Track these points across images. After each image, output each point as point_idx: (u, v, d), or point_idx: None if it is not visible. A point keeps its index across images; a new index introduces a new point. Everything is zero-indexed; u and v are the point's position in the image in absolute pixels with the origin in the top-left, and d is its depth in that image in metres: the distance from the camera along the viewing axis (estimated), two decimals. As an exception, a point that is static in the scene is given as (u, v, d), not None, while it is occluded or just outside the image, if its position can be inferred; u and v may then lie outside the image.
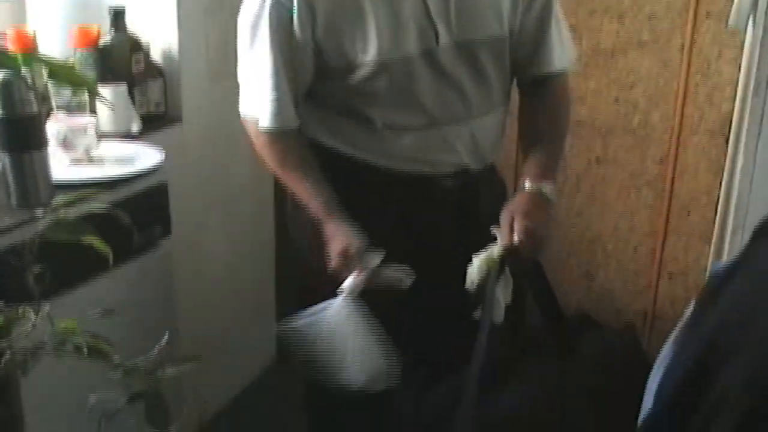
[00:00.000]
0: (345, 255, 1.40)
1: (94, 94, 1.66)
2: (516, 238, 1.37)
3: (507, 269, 1.38)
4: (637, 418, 1.11)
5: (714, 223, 2.25)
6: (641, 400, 1.10)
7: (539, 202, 1.44)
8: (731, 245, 2.18)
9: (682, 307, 1.78)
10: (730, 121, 2.15)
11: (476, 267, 1.37)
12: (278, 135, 1.46)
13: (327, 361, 1.44)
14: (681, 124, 2.22)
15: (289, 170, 1.50)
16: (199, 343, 2.08)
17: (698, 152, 2.23)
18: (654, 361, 1.16)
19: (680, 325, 1.12)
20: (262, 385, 2.51)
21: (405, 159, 1.48)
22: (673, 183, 2.27)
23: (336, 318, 1.43)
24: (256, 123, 1.46)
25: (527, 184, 1.46)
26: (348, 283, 1.40)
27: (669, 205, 2.29)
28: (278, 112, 1.43)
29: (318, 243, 1.46)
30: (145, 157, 1.66)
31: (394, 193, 1.49)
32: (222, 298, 2.27)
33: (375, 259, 1.42)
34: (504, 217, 1.41)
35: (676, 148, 2.24)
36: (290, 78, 1.41)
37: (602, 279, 2.41)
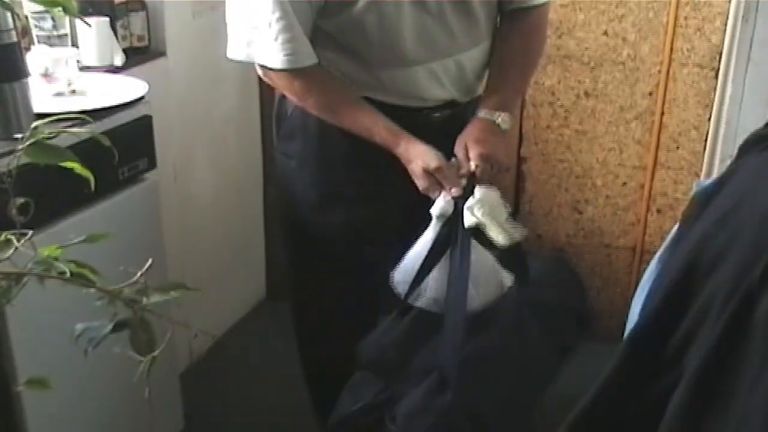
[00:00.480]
0: (428, 173, 1.40)
1: (72, 15, 1.63)
2: (472, 164, 1.40)
3: (479, 193, 1.37)
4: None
5: (703, 156, 2.26)
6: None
7: (491, 130, 1.47)
8: (719, 177, 2.19)
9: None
10: (720, 54, 2.14)
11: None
12: (311, 74, 1.45)
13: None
14: (671, 56, 2.20)
15: (339, 106, 1.49)
16: (188, 277, 2.09)
17: (687, 85, 2.21)
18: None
19: (665, 244, 1.13)
20: (253, 320, 2.54)
21: (398, 94, 1.50)
22: (662, 116, 2.26)
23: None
24: (283, 74, 1.44)
25: (481, 113, 1.49)
26: (439, 204, 1.38)
27: (658, 139, 2.28)
28: (300, 50, 1.41)
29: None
30: (129, 89, 1.64)
31: None
32: (209, 230, 2.28)
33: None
34: (458, 146, 1.45)
35: (666, 81, 2.22)
36: (299, 17, 1.39)
37: (591, 214, 2.42)
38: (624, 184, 2.36)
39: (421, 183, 1.41)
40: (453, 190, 1.38)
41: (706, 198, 1.05)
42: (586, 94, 2.30)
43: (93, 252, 0.99)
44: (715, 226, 0.98)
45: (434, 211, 1.38)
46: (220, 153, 2.28)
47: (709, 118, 2.21)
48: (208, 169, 2.23)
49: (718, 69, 2.16)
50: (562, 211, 2.44)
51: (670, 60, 2.20)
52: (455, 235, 1.37)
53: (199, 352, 2.28)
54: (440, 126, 1.54)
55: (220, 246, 2.35)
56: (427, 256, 1.39)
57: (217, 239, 2.33)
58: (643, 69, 2.24)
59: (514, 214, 2.45)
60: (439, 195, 1.39)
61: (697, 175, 2.27)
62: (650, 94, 2.25)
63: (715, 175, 2.19)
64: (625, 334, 1.11)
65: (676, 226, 1.13)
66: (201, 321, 2.24)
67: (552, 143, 2.37)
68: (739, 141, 2.10)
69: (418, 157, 1.42)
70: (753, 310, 0.89)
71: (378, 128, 1.45)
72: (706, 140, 2.24)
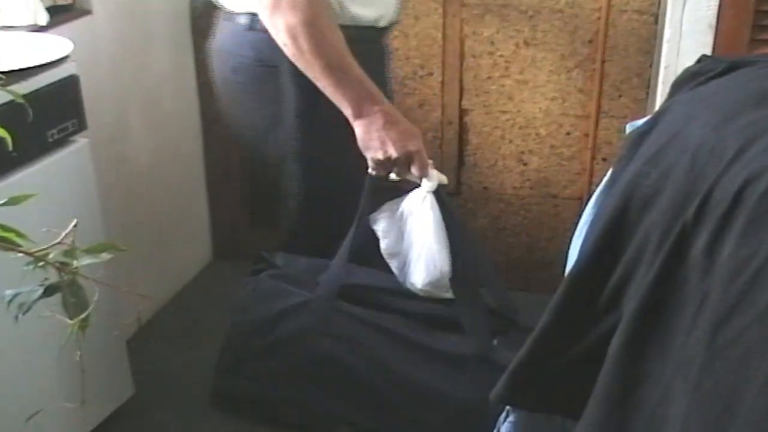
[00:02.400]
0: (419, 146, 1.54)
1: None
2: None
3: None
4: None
5: (646, 104, 2.27)
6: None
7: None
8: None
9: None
10: (659, -1, 2.14)
11: None
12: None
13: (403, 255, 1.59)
14: (609, 3, 2.18)
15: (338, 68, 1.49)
16: (131, 242, 2.05)
17: (627, 32, 2.21)
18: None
19: (600, 186, 1.13)
20: (201, 283, 2.50)
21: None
22: (603, 64, 2.26)
23: (419, 211, 1.56)
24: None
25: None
26: (429, 179, 1.54)
27: (600, 87, 2.28)
28: None
29: None
30: (52, 48, 1.58)
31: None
32: (150, 194, 2.23)
33: None
34: None
35: (605, 28, 2.21)
36: None
37: (536, 164, 2.42)
38: (568, 133, 2.36)
39: (418, 156, 1.54)
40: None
41: (638, 138, 1.05)
42: (526, 43, 2.28)
43: (25, 217, 0.95)
44: (647, 165, 0.98)
45: (430, 186, 1.55)
46: (156, 113, 2.22)
47: (651, 65, 2.21)
48: (145, 130, 2.18)
49: (658, 14, 2.16)
50: (507, 163, 2.43)
51: (609, 6, 2.18)
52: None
53: (147, 317, 2.25)
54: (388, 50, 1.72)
55: (162, 209, 2.31)
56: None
57: (158, 202, 2.28)
58: (582, 16, 2.22)
59: (459, 167, 2.45)
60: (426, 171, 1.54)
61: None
62: (590, 41, 2.24)
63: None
64: (565, 275, 1.12)
65: (610, 169, 1.13)
66: (148, 286, 2.20)
67: (494, 94, 2.36)
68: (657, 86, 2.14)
69: (412, 128, 1.56)
70: (687, 250, 0.89)
71: (369, 85, 1.51)
72: (648, 87, 2.24)
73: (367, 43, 1.62)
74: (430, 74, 2.37)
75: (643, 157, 1.00)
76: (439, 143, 2.43)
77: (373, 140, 1.51)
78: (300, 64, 1.49)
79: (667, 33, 2.04)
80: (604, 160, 2.35)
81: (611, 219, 0.99)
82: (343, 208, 1.62)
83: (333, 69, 1.48)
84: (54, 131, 1.55)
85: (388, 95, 1.67)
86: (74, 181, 1.63)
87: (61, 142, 1.58)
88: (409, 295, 1.62)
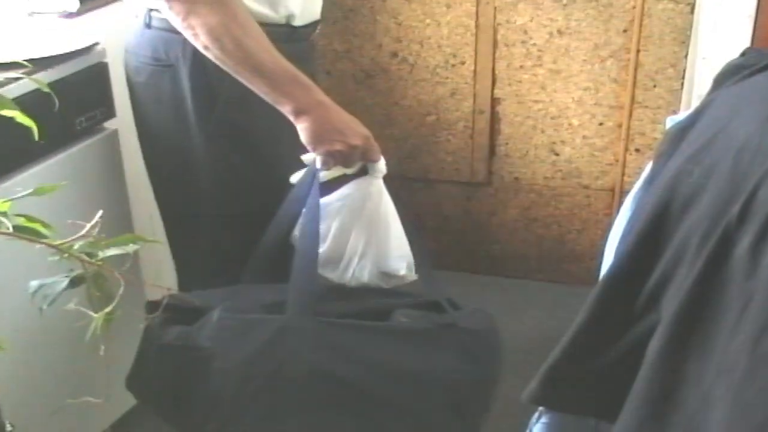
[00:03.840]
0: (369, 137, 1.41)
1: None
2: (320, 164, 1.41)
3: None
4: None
5: (681, 94, 2.22)
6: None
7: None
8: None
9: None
10: (696, -13, 2.09)
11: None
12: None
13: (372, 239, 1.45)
14: (645, -8, 2.15)
15: (271, 63, 1.37)
16: (158, 230, 2.04)
17: (663, 21, 2.17)
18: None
19: (638, 182, 1.09)
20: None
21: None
22: (638, 54, 2.22)
23: (374, 198, 1.45)
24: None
25: None
26: (381, 163, 1.44)
27: (635, 78, 2.24)
28: None
29: None
30: (82, 35, 1.57)
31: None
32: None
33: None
34: None
35: (641, 18, 2.17)
36: None
37: (568, 155, 2.39)
38: (601, 124, 2.33)
39: (371, 144, 1.42)
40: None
41: (680, 133, 1.02)
42: (559, 32, 2.25)
43: (52, 206, 0.95)
44: (689, 162, 0.95)
45: (379, 168, 1.44)
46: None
47: (686, 56, 2.17)
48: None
49: (694, 4, 2.11)
50: (539, 153, 2.40)
51: (644, -5, 2.15)
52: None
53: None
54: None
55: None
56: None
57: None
58: (617, 5, 2.19)
59: (490, 156, 2.42)
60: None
61: (675, 113, 2.24)
62: (625, 31, 2.20)
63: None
64: (599, 278, 1.08)
65: (649, 164, 1.09)
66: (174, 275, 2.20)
67: (526, 83, 2.33)
68: (708, 79, 2.09)
69: (355, 121, 1.42)
70: (731, 251, 0.86)
71: (305, 81, 1.38)
72: (683, 78, 2.20)
73: (285, 43, 1.46)
74: (462, 63, 2.34)
75: (684, 154, 0.97)
76: (470, 133, 2.41)
77: (328, 132, 1.39)
78: (227, 66, 1.35)
79: (704, 23, 2.00)
80: (637, 150, 2.32)
81: (651, 217, 0.96)
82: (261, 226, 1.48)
83: (264, 67, 1.35)
84: (82, 119, 1.55)
85: None
86: (102, 170, 1.63)
87: (88, 130, 1.58)
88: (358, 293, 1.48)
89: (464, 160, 2.45)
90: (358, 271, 1.46)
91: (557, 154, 2.40)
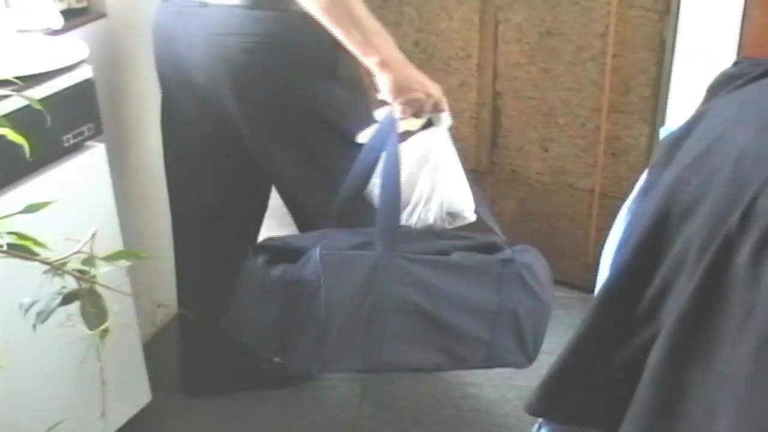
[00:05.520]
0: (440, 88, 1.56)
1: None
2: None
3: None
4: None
5: (655, 102, 2.21)
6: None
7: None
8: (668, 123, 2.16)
9: (626, 186, 1.77)
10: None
11: None
12: None
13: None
14: (618, -4, 2.15)
15: (365, 17, 1.49)
16: (148, 247, 2.02)
17: (634, 27, 2.16)
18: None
19: (633, 192, 1.09)
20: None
21: None
22: (613, 59, 2.21)
23: (440, 146, 1.59)
24: None
25: None
26: (446, 115, 1.59)
27: (611, 81, 2.24)
28: None
29: None
30: (67, 52, 1.55)
31: None
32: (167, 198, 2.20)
33: None
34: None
35: (615, 23, 2.16)
36: None
37: (557, 152, 2.40)
38: (583, 125, 2.34)
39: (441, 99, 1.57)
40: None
41: (675, 142, 1.02)
42: (549, 32, 2.27)
43: (40, 223, 0.93)
44: (687, 171, 0.95)
45: (446, 121, 1.61)
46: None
47: (657, 63, 2.16)
48: (158, 134, 2.15)
49: (663, 12, 2.10)
50: (532, 148, 2.43)
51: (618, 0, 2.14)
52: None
53: (164, 320, 2.22)
54: None
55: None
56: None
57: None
58: (595, 8, 2.19)
59: (492, 147, 2.46)
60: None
61: (646, 121, 2.23)
62: (602, 35, 2.21)
63: (668, 120, 2.17)
64: (596, 290, 1.08)
65: (644, 174, 1.09)
66: (165, 292, 2.18)
67: (521, 80, 2.36)
68: (679, 87, 2.09)
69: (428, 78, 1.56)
70: (732, 259, 0.85)
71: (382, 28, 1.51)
72: (657, 85, 2.18)
73: None
74: (469, 56, 2.40)
75: (681, 163, 0.97)
76: (475, 123, 2.47)
77: (410, 81, 1.52)
78: (330, 17, 1.47)
79: (684, 32, 1.99)
80: (613, 155, 2.32)
81: (649, 227, 0.96)
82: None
83: (361, 20, 1.48)
84: (69, 136, 1.53)
85: None
86: (90, 187, 1.61)
87: (76, 147, 1.56)
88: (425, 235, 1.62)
89: (469, 148, 2.48)
90: (423, 213, 1.58)
91: (547, 151, 2.40)
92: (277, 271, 1.49)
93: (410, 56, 1.58)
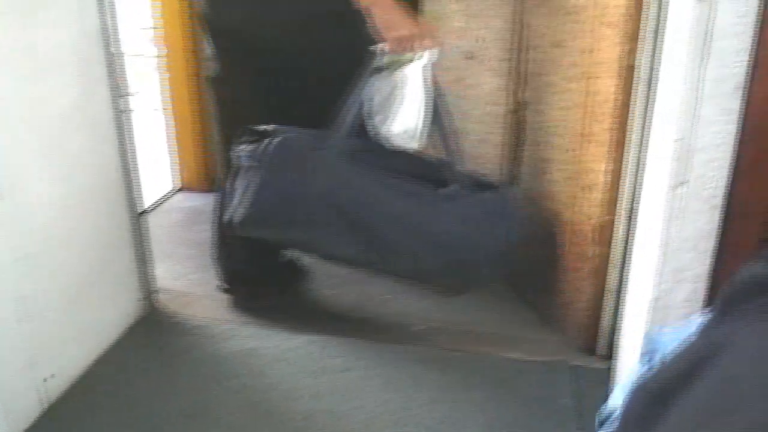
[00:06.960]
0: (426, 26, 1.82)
1: None
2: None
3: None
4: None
5: (612, 134, 1.92)
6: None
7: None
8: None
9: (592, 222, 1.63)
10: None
11: None
12: None
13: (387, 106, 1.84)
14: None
15: None
16: (34, 311, 1.71)
17: (603, 50, 1.89)
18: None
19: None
20: (124, 348, 2.14)
21: None
22: (588, 81, 1.95)
23: (413, 73, 1.81)
24: None
25: None
26: (429, 53, 1.82)
27: (585, 108, 1.98)
28: None
29: None
30: None
31: None
32: (60, 252, 1.87)
33: None
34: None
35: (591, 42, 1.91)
36: None
37: (549, 178, 2.20)
38: (567, 150, 2.09)
39: (418, 33, 1.78)
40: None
41: (688, 367, 0.69)
42: (552, 44, 2.11)
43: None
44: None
45: (432, 56, 1.83)
46: (61, 157, 1.85)
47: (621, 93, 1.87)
48: (48, 179, 1.81)
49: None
50: (537, 165, 2.29)
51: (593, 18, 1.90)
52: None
53: (53, 396, 1.88)
54: None
55: (75, 267, 1.94)
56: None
57: (69, 260, 1.92)
58: (583, 22, 1.96)
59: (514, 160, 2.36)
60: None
61: (612, 151, 1.92)
62: (582, 52, 1.96)
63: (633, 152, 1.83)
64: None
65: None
66: (56, 359, 1.85)
67: (538, 91, 2.22)
68: (642, 119, 1.72)
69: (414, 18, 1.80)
70: None
71: None
72: (625, 116, 1.88)
73: None
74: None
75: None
76: None
77: (396, 19, 1.74)
78: None
79: (682, 96, 1.49)
80: (589, 188, 2.03)
81: None
82: None
83: None
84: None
85: None
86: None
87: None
88: (392, 154, 1.90)
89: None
90: (387, 125, 1.85)
91: (544, 173, 2.23)
92: (246, 151, 1.85)
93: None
